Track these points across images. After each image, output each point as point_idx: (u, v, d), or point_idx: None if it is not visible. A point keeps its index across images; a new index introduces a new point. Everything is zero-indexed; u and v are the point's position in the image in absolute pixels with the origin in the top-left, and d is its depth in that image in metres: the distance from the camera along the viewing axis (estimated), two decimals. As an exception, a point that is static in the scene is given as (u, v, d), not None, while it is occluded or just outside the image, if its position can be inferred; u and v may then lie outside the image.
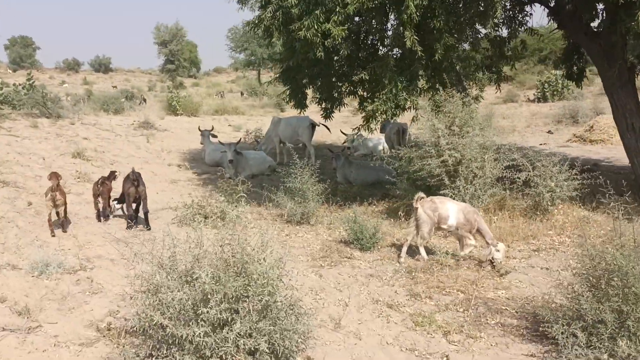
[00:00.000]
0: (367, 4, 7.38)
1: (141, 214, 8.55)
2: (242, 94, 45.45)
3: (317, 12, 7.37)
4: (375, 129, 14.90)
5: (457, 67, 8.62)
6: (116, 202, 8.87)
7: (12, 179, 9.88)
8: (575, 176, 8.13)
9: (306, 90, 10.73)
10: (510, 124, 21.24)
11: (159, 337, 4.14)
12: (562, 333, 4.30)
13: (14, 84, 18.95)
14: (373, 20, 8.06)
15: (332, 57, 9.30)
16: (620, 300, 4.14)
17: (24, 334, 4.79)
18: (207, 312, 3.95)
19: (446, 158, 7.82)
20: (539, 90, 28.70)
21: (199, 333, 3.88)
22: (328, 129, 15.16)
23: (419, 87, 8.44)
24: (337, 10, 7.40)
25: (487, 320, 5.32)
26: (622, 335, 4.06)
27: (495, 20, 7.87)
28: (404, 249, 6.98)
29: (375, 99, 8.27)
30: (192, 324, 3.98)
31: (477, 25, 8.34)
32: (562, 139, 18.42)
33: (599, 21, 9.11)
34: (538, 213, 8.22)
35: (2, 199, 8.78)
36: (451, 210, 6.77)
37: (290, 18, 7.69)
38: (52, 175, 8.13)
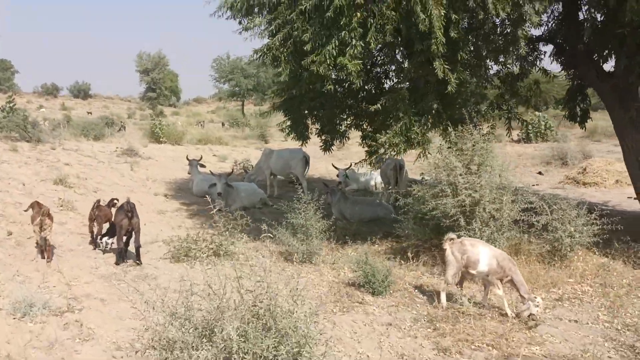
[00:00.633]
0: (388, 39, 7.02)
1: (131, 248, 7.90)
2: (223, 124, 44.95)
3: (330, 47, 6.98)
4: (373, 164, 14.69)
5: (470, 103, 8.29)
6: (106, 237, 8.14)
7: (-11, 206, 9.15)
8: (594, 220, 7.75)
9: (308, 122, 10.28)
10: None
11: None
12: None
13: (-7, 106, 18.18)
14: (394, 53, 7.71)
15: (338, 89, 8.92)
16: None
17: (4, 390, 4.11)
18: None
19: (463, 198, 7.38)
20: (522, 131, 28.83)
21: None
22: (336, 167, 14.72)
23: (430, 122, 8.06)
24: (354, 43, 7.02)
25: (527, 380, 4.80)
26: None
27: (517, 54, 7.56)
28: (442, 295, 6.46)
29: (387, 132, 7.83)
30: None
31: (492, 60, 8.07)
32: (554, 180, 18.25)
33: (615, 62, 8.92)
34: (556, 259, 7.80)
35: (-22, 227, 8.06)
36: (483, 254, 6.29)
37: (300, 48, 7.29)
38: (35, 205, 7.57)
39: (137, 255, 7.62)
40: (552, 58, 10.06)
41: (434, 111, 8.01)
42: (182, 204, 12.85)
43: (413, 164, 10.16)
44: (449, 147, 7.78)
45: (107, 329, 5.41)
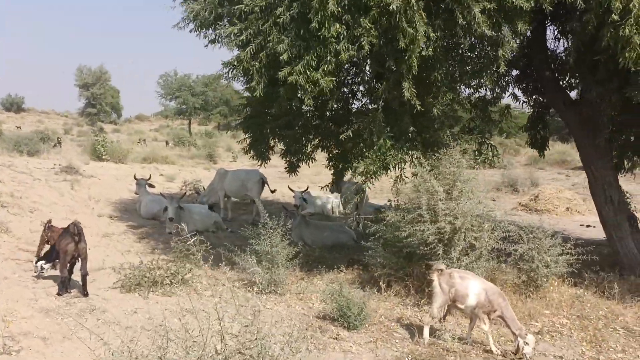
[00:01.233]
0: (361, 53, 6.62)
1: (76, 276, 7.07)
2: (167, 143, 43.54)
3: (308, 57, 6.51)
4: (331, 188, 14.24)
5: (444, 126, 8.01)
6: (43, 262, 7.26)
7: None
8: (570, 250, 7.55)
9: (270, 142, 9.73)
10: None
11: None
12: None
13: None
14: (365, 70, 7.31)
15: (310, 107, 8.46)
16: None
17: None
18: None
19: (443, 225, 7.01)
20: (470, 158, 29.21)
21: None
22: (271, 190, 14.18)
23: (406, 146, 7.70)
24: (328, 58, 6.58)
25: None
26: None
27: (495, 76, 7.32)
28: (425, 329, 6.00)
29: (363, 158, 7.40)
30: None
31: (467, 82, 7.83)
32: (506, 206, 18.34)
33: (583, 90, 8.88)
34: (531, 289, 7.54)
35: None
36: (472, 288, 5.89)
37: (274, 61, 6.79)
38: None
39: (83, 285, 6.80)
40: (514, 84, 9.97)
41: (409, 134, 7.67)
42: (129, 227, 11.96)
43: (391, 189, 9.69)
44: (430, 171, 7.41)
45: (51, 376, 4.64)
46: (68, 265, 6.84)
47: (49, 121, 70.00)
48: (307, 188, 14.97)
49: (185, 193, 13.18)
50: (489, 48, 7.08)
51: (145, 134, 57.85)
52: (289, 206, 13.39)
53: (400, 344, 6.09)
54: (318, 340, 6.06)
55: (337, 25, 6.22)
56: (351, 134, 7.42)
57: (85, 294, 6.75)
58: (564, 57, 9.18)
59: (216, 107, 50.64)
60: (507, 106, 9.80)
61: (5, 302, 6.16)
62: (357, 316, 6.40)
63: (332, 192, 15.20)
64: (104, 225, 11.65)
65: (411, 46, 6.46)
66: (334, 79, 6.73)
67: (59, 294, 6.71)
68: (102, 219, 12.18)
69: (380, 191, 17.96)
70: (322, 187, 11.76)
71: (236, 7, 6.87)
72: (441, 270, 6.07)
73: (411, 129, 7.64)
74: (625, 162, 10.60)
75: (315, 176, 26.02)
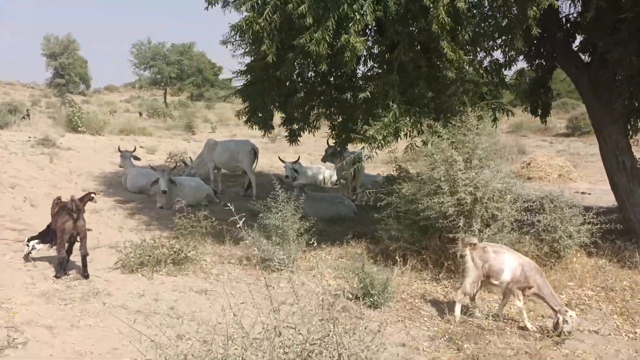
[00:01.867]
0: (392, 10, 6.10)
1: (74, 257, 6.54)
2: (140, 114, 42.24)
3: (329, 23, 5.98)
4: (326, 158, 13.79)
5: (459, 91, 7.57)
6: (36, 241, 6.66)
7: None
8: (592, 219, 7.29)
9: (273, 110, 9.16)
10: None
11: None
12: None
13: None
14: (390, 30, 6.77)
15: (312, 74, 7.95)
16: None
17: None
18: None
19: (463, 196, 6.64)
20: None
21: None
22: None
23: (418, 112, 7.25)
24: (357, 18, 6.06)
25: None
26: None
27: (523, 37, 6.86)
28: (457, 307, 5.67)
29: (374, 123, 6.94)
30: None
31: (489, 42, 7.38)
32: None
33: (597, 52, 8.52)
34: (552, 260, 7.27)
35: None
36: (507, 263, 5.56)
37: (289, 24, 6.25)
38: None
39: (83, 266, 6.26)
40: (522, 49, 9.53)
41: (426, 100, 7.23)
42: (117, 202, 11.35)
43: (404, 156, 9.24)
44: (447, 139, 7.00)
45: (65, 371, 4.17)
46: (66, 245, 6.28)
47: (15, 92, 67.31)
48: (299, 158, 14.47)
49: (176, 165, 12.55)
50: (516, 6, 6.62)
51: (116, 105, 56.10)
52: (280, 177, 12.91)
53: (429, 323, 5.77)
54: (341, 320, 5.68)
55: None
56: (369, 95, 6.93)
57: (86, 276, 6.22)
58: (577, 18, 8.80)
59: (190, 76, 49.19)
60: (522, 70, 9.40)
61: (0, 287, 5.60)
62: (381, 294, 6.04)
63: (324, 162, 14.76)
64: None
65: (435, 3, 5.99)
66: (364, 39, 6.22)
67: (57, 277, 6.17)
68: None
69: (373, 162, 17.59)
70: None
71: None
72: (474, 244, 5.73)
73: (429, 94, 7.19)
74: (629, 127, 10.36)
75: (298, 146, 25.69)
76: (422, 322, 5.77)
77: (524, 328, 5.64)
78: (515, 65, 8.18)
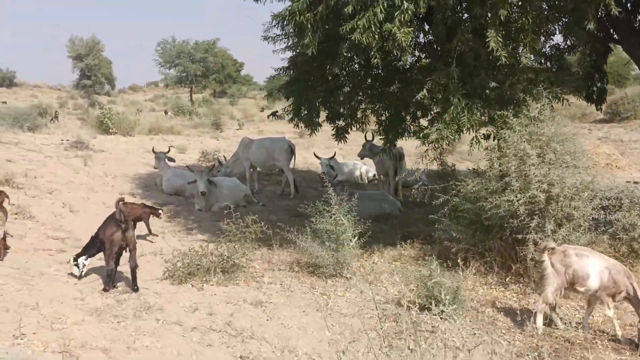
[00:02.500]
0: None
1: (121, 267, 6.23)
2: (166, 112, 42.18)
3: (377, 9, 5.53)
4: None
5: (522, 80, 7.05)
6: (83, 257, 6.29)
7: None
8: (672, 216, 6.73)
9: (319, 106, 8.72)
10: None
11: None
12: None
13: None
14: (447, 15, 6.28)
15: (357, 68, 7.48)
16: None
17: None
18: None
19: (535, 194, 6.14)
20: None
21: None
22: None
23: (480, 105, 6.76)
24: (404, 7, 5.60)
25: None
26: None
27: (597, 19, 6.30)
28: (539, 317, 5.20)
29: (435, 121, 6.47)
30: None
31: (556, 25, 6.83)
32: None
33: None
34: (630, 261, 6.74)
35: None
36: (593, 267, 5.08)
37: (335, 14, 5.81)
38: None
39: (133, 279, 5.95)
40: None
41: (487, 91, 6.74)
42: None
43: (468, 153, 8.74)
44: (519, 132, 6.49)
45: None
46: (114, 256, 5.96)
47: (43, 95, 68.16)
48: (334, 155, 14.05)
49: (215, 165, 12.21)
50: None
51: (141, 104, 56.30)
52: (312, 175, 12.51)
53: (508, 336, 5.32)
54: (409, 333, 5.26)
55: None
56: (425, 93, 6.44)
57: (136, 289, 5.91)
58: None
59: (213, 73, 48.98)
60: (583, 54, 8.81)
61: (50, 303, 5.30)
62: (451, 303, 5.60)
63: (361, 158, 14.33)
64: (128, 205, 10.75)
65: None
66: (410, 29, 5.76)
67: (105, 290, 5.87)
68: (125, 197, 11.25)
69: (410, 155, 17.09)
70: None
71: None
72: (552, 248, 5.25)
73: (492, 84, 6.70)
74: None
75: (327, 141, 25.22)
76: (501, 335, 5.32)
77: (616, 339, 5.15)
78: (578, 50, 7.59)
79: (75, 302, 5.46)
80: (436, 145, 6.74)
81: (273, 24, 6.45)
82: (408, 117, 8.33)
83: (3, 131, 16.67)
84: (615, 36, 8.73)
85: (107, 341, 4.64)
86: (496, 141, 7.20)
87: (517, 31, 6.27)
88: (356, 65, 8.47)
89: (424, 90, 6.39)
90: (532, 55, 6.71)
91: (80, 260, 6.24)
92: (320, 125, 9.04)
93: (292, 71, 8.54)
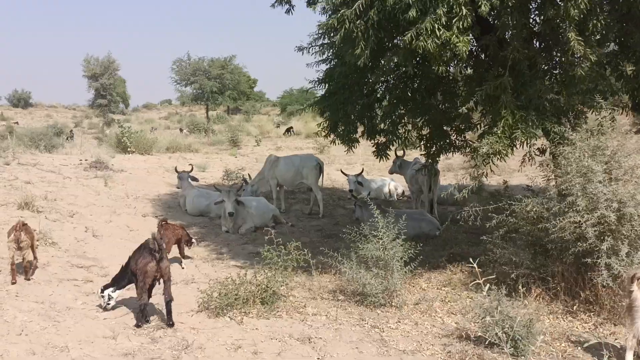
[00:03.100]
0: (505, 2, 5.13)
1: (156, 300, 5.72)
2: (181, 130, 41.97)
3: (439, 11, 5.03)
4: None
5: (581, 88, 6.49)
6: (110, 289, 5.79)
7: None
8: None
9: (356, 122, 8.19)
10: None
11: None
12: None
13: None
14: (509, 20, 5.76)
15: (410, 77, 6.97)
16: None
17: None
18: None
19: (606, 213, 5.55)
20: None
21: None
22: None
23: (534, 117, 6.20)
24: (463, 13, 5.09)
25: None
26: None
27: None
28: (629, 355, 4.59)
29: (486, 135, 5.93)
30: None
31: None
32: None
33: None
34: None
35: None
36: (695, 298, 4.48)
37: (389, 20, 5.31)
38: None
39: (168, 314, 5.42)
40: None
41: (545, 102, 6.18)
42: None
43: (518, 170, 8.13)
44: (580, 147, 5.91)
45: None
46: (148, 289, 5.45)
47: (58, 115, 68.83)
48: (362, 171, 13.53)
49: (242, 186, 11.72)
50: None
51: (155, 122, 56.39)
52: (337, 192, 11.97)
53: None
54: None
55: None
56: (473, 106, 5.90)
57: (171, 324, 5.39)
58: None
59: (228, 90, 48.80)
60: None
61: (78, 344, 4.79)
62: (524, 338, 5.00)
63: (390, 174, 13.80)
64: (153, 227, 10.22)
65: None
66: (468, 38, 5.26)
67: (138, 326, 5.36)
68: (148, 220, 10.80)
69: (445, 170, 16.52)
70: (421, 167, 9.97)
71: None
72: (640, 276, 4.65)
73: (550, 95, 6.14)
74: None
75: (348, 156, 24.70)
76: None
77: None
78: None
79: (106, 343, 4.94)
80: (486, 161, 6.16)
81: (318, 32, 5.96)
82: (452, 131, 7.78)
83: (21, 152, 16.37)
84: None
85: (145, 389, 4.11)
86: (551, 156, 6.63)
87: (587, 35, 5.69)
88: (392, 78, 7.95)
89: (471, 102, 5.84)
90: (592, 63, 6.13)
91: (107, 292, 5.74)
92: (358, 142, 8.50)
93: (326, 84, 8.03)
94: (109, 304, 5.73)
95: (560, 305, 6.16)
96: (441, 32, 5.12)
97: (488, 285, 5.65)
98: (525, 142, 6.45)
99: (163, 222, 7.73)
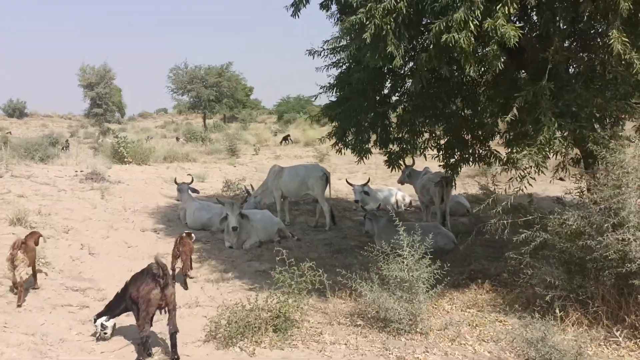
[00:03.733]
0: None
1: (158, 329, 5.17)
2: (177, 139, 41.38)
3: (472, 4, 4.52)
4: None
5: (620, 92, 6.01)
6: (104, 318, 5.23)
7: None
8: None
9: (369, 130, 7.65)
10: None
11: None
12: None
13: None
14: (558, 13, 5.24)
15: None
16: None
17: None
18: None
19: (657, 232, 5.04)
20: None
21: None
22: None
23: (570, 124, 5.70)
24: None
25: None
26: None
27: None
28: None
29: (520, 145, 5.42)
30: None
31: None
32: None
33: None
34: None
35: None
36: None
37: (418, 13, 4.80)
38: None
39: (173, 347, 4.87)
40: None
41: (585, 108, 5.68)
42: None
43: (550, 181, 7.59)
44: (619, 161, 5.40)
45: None
46: (150, 319, 4.90)
47: (53, 124, 68.10)
48: (368, 181, 13.01)
49: (246, 198, 11.17)
50: None
51: (152, 131, 55.77)
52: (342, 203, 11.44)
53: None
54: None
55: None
56: (516, 112, 5.37)
57: (176, 358, 4.83)
58: None
59: (225, 98, 48.24)
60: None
61: (73, 385, 4.24)
62: (573, 373, 4.48)
63: (399, 183, 13.29)
64: (152, 243, 9.74)
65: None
66: (518, 25, 4.75)
67: (139, 359, 4.80)
68: (147, 235, 10.24)
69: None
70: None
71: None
72: None
73: (597, 100, 5.63)
74: None
75: (349, 165, 24.18)
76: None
77: None
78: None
79: (105, 381, 4.38)
80: (522, 173, 5.65)
81: (341, 33, 5.44)
82: (474, 140, 7.26)
83: (15, 163, 15.78)
84: None
85: None
86: (591, 167, 6.13)
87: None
88: (408, 82, 7.42)
89: (514, 110, 5.32)
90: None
91: (100, 321, 5.19)
92: (371, 152, 7.96)
93: (337, 90, 7.49)
94: (105, 333, 5.18)
95: (602, 331, 5.62)
96: (480, 22, 4.57)
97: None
98: (564, 151, 5.93)
99: (180, 239, 7.41)
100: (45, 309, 5.86)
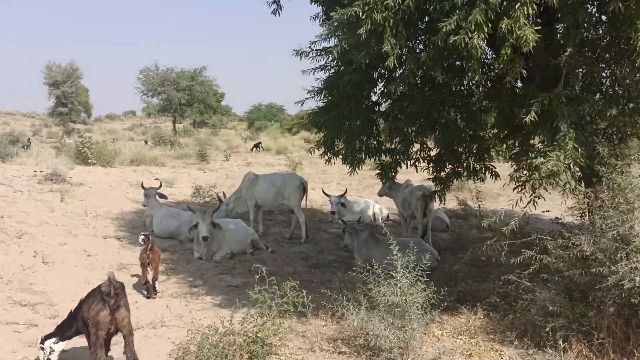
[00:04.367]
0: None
1: (118, 354, 4.48)
2: (145, 142, 40.22)
3: (484, 5, 4.06)
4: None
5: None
6: (52, 340, 4.50)
7: None
8: None
9: (362, 139, 7.09)
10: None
11: None
12: None
13: None
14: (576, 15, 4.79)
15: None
16: None
17: None
18: None
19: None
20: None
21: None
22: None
23: (590, 138, 5.26)
24: None
25: None
26: None
27: None
28: None
29: (548, 155, 4.95)
30: None
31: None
32: None
33: None
34: None
35: None
36: None
37: (421, 11, 4.31)
38: None
39: (132, 378, 4.20)
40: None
41: (599, 121, 5.26)
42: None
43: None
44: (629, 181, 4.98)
45: None
46: (103, 343, 4.22)
47: (15, 122, 65.93)
48: (345, 192, 12.50)
49: (219, 206, 10.49)
50: None
51: (119, 133, 54.37)
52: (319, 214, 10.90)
53: None
54: None
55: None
56: (534, 115, 4.89)
57: (136, 393, 4.16)
58: None
59: (197, 102, 47.28)
60: None
61: None
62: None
63: (380, 196, 12.81)
64: (114, 252, 8.98)
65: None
66: (534, 28, 4.29)
67: (92, 393, 4.12)
68: (109, 242, 9.47)
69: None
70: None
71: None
72: None
73: (611, 112, 5.21)
74: None
75: (323, 175, 23.68)
76: None
77: None
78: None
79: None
80: (539, 182, 5.17)
81: (334, 29, 4.90)
82: (467, 153, 6.79)
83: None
84: None
85: None
86: (593, 186, 5.71)
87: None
88: (401, 88, 6.92)
89: (532, 113, 4.84)
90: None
91: (48, 343, 4.46)
92: (364, 162, 7.42)
93: (324, 95, 6.94)
94: (49, 358, 4.45)
95: (608, 363, 5.18)
96: (494, 24, 4.10)
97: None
98: (577, 165, 5.48)
99: (150, 245, 6.88)
100: (-11, 329, 5.12)
